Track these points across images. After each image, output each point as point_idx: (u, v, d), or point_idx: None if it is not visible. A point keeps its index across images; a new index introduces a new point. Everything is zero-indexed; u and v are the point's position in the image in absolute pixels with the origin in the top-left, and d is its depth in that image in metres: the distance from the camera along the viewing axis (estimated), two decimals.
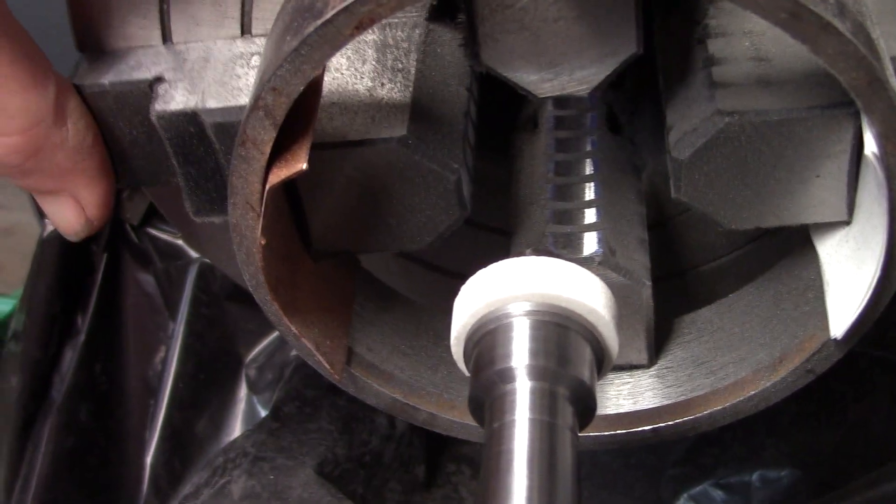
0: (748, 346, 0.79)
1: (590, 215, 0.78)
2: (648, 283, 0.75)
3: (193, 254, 1.23)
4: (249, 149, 0.63)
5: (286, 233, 0.73)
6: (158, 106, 0.74)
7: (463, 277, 0.98)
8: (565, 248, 0.75)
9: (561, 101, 0.87)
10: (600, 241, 0.75)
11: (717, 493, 1.16)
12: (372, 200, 0.73)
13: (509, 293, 0.64)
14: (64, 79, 0.76)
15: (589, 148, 0.83)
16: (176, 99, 0.74)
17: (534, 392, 0.61)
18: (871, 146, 0.64)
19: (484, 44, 0.71)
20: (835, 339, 0.71)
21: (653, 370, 0.81)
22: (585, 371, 0.63)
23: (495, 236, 0.94)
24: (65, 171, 0.76)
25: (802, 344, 0.73)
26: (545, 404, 0.60)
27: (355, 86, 0.73)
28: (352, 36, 0.59)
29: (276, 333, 1.22)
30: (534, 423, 0.59)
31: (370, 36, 0.76)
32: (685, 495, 1.17)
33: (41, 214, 1.38)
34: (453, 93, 0.76)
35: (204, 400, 1.20)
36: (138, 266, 1.26)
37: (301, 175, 0.66)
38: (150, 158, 0.78)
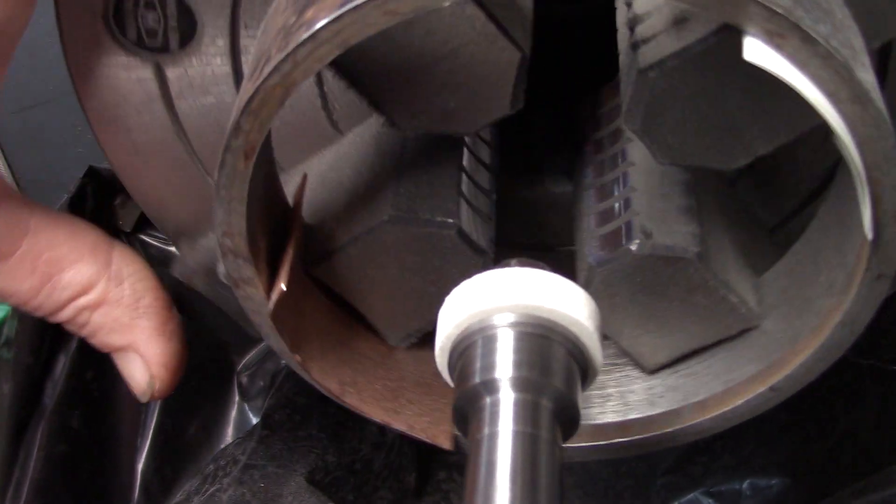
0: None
1: (622, 207, 0.79)
2: (695, 250, 0.74)
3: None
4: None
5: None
6: None
7: None
8: (605, 247, 0.76)
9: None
10: (632, 228, 0.75)
11: (708, 502, 1.16)
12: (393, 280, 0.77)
13: (493, 304, 0.64)
14: (114, 241, 0.87)
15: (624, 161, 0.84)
16: None
17: (517, 403, 0.61)
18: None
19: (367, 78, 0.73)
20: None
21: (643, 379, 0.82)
22: (569, 382, 0.63)
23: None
24: (124, 326, 0.84)
25: (786, 357, 0.74)
26: (528, 416, 0.61)
27: (349, 183, 0.76)
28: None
29: None
30: (517, 434, 0.59)
31: None
32: None
33: None
34: (442, 151, 0.77)
35: (195, 407, 1.21)
36: None
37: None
38: None
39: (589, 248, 0.76)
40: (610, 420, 0.80)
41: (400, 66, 0.70)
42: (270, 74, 0.59)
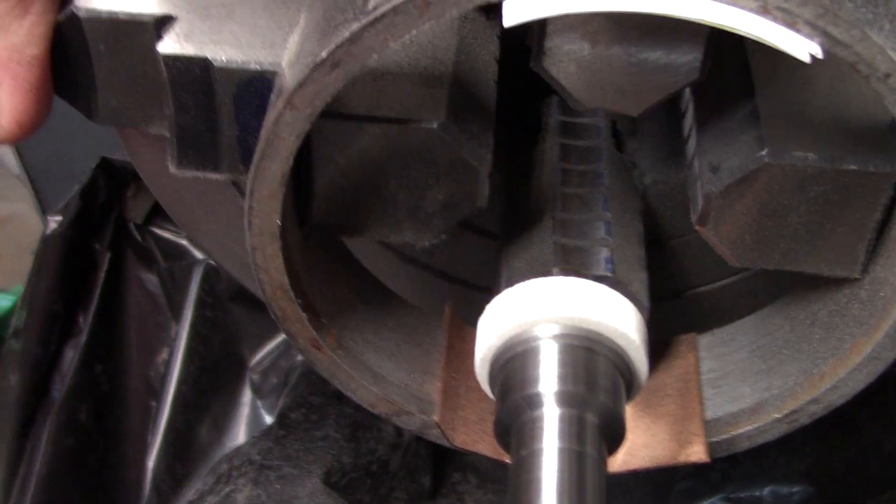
0: (753, 375, 0.77)
1: (598, 230, 0.76)
2: (647, 308, 0.73)
3: (198, 254, 1.22)
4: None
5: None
6: (168, 47, 0.69)
7: (449, 279, 0.98)
8: (569, 261, 0.73)
9: (568, 107, 0.85)
10: (608, 259, 0.73)
11: None
12: (387, 180, 0.70)
13: (537, 315, 0.62)
14: None
15: (599, 161, 0.81)
16: (188, 43, 0.70)
17: (562, 419, 0.59)
18: None
19: (549, 53, 0.68)
20: None
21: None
22: (615, 397, 0.61)
23: (486, 240, 0.92)
24: (4, 64, 0.72)
25: (789, 395, 0.71)
26: (574, 432, 0.59)
27: (389, 56, 0.70)
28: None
29: (281, 337, 1.21)
30: (562, 451, 0.58)
31: None
32: None
33: (43, 210, 1.37)
34: (485, 83, 0.74)
35: (207, 404, 1.19)
36: (141, 265, 1.24)
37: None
38: (138, 101, 0.74)
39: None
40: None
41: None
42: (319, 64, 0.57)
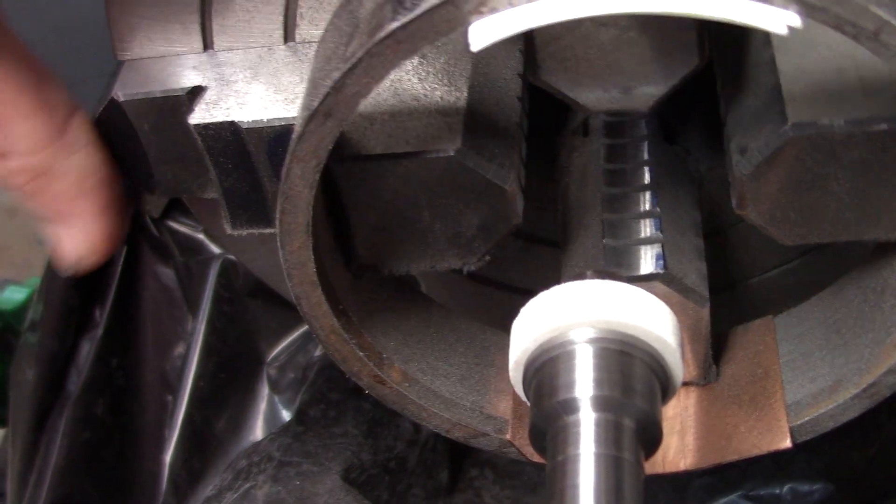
0: (829, 352, 0.76)
1: (646, 227, 0.75)
2: (707, 299, 0.72)
3: (215, 249, 1.21)
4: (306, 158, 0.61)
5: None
6: (197, 117, 0.73)
7: (509, 289, 0.97)
8: (620, 263, 0.73)
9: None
10: (659, 256, 0.72)
11: None
12: (420, 212, 0.71)
13: (572, 319, 0.62)
14: (78, 107, 0.76)
15: (644, 156, 0.80)
16: (216, 109, 0.73)
17: (598, 424, 0.59)
18: None
19: (543, 63, 0.69)
20: None
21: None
22: (651, 401, 0.61)
23: (543, 247, 0.92)
24: (68, 200, 0.76)
25: (865, 369, 0.71)
26: (610, 437, 0.59)
27: (405, 90, 0.71)
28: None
29: (298, 332, 1.20)
30: (599, 457, 0.58)
31: None
32: None
33: None
34: (506, 101, 0.74)
35: (224, 399, 1.19)
36: (158, 259, 1.24)
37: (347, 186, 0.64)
38: (189, 170, 0.78)
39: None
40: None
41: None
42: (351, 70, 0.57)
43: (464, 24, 0.55)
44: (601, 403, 0.59)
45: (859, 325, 0.73)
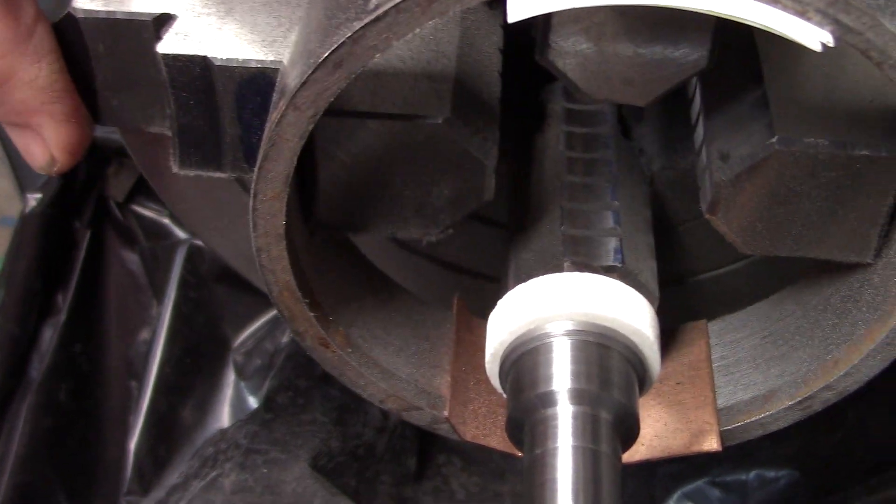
0: (765, 362, 0.77)
1: (605, 219, 0.75)
2: (657, 298, 0.72)
3: (181, 234, 1.20)
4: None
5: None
6: (167, 46, 0.69)
7: (442, 264, 0.97)
8: (577, 252, 0.72)
9: (572, 94, 0.84)
10: (617, 250, 0.72)
11: (713, 492, 1.15)
12: (392, 176, 0.69)
13: (550, 311, 0.61)
14: (44, 17, 0.73)
15: (605, 149, 0.80)
16: (188, 41, 0.69)
17: (576, 417, 0.59)
18: None
19: (555, 44, 0.68)
20: None
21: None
22: (629, 394, 0.61)
23: (480, 225, 0.91)
24: (32, 108, 0.74)
25: (802, 382, 0.71)
26: (588, 430, 0.58)
27: (392, 52, 0.69)
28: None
29: (265, 318, 1.19)
30: (577, 450, 0.57)
31: None
32: (679, 492, 1.16)
33: (22, 189, 1.34)
34: (489, 74, 0.73)
35: (190, 385, 1.17)
36: (122, 244, 1.22)
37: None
38: (139, 100, 0.74)
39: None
40: None
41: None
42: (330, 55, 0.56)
43: None
44: (579, 396, 0.59)
45: (797, 339, 0.74)
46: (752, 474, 1.14)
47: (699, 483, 1.15)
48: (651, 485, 1.16)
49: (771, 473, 1.13)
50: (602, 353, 0.61)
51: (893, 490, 0.98)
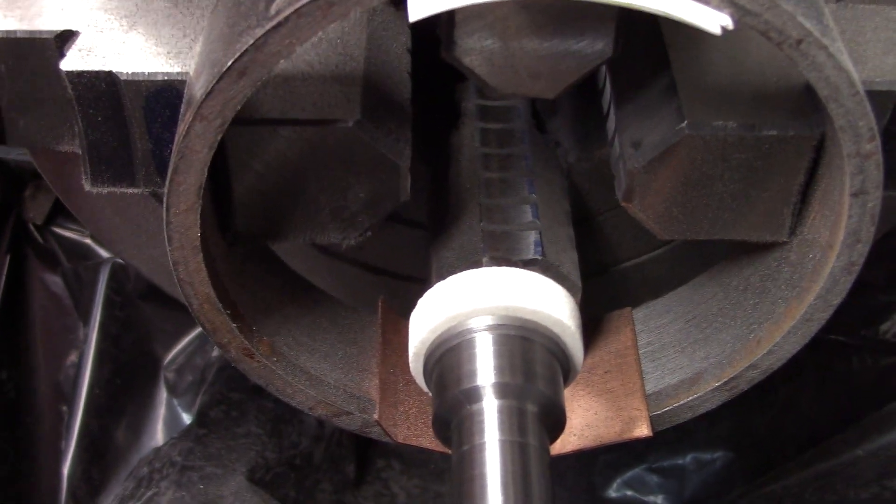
0: (690, 345, 0.77)
1: (524, 213, 0.75)
2: (580, 288, 0.72)
3: (104, 253, 1.18)
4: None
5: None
6: (70, 63, 0.68)
7: (363, 266, 0.96)
8: (498, 247, 0.72)
9: (483, 91, 0.84)
10: (537, 243, 0.72)
11: (651, 478, 1.16)
12: (307, 182, 0.68)
13: (470, 306, 0.61)
14: None
15: (520, 144, 0.80)
16: (92, 57, 0.68)
17: (502, 411, 0.59)
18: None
19: (460, 40, 0.67)
20: None
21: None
22: (553, 385, 0.61)
23: (401, 227, 0.91)
24: None
25: (727, 363, 0.72)
26: (514, 424, 0.58)
27: (297, 55, 0.69)
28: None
29: (194, 333, 1.18)
30: (504, 444, 0.57)
31: None
32: (619, 480, 1.17)
33: None
34: (398, 75, 0.72)
35: (122, 406, 1.16)
36: (44, 266, 1.20)
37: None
38: (46, 119, 0.72)
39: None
40: None
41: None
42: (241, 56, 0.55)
43: None
44: (504, 390, 0.59)
45: (720, 321, 0.75)
46: (689, 458, 1.15)
47: (637, 470, 1.16)
48: (591, 474, 1.17)
49: (707, 456, 1.14)
50: (524, 345, 0.61)
51: (826, 463, 0.99)
